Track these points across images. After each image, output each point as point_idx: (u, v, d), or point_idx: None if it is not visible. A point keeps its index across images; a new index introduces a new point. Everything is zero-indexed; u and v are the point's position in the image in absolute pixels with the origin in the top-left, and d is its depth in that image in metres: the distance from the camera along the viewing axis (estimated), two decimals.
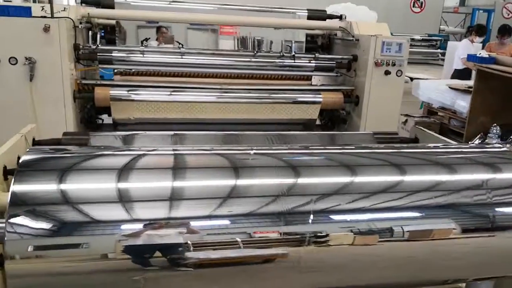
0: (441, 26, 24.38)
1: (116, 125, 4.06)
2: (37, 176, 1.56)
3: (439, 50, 20.92)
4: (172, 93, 3.96)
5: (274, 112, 4.21)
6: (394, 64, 4.10)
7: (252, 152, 1.87)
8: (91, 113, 4.06)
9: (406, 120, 6.21)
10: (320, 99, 4.21)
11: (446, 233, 1.74)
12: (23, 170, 1.55)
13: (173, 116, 4.01)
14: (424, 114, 6.71)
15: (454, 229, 1.73)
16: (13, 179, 1.44)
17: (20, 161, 1.59)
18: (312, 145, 2.21)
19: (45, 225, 1.41)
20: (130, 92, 3.85)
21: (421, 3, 22.34)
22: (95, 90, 3.77)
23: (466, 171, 1.96)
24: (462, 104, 5.77)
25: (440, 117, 6.57)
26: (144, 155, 1.86)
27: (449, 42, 14.06)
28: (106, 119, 4.21)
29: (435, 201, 1.77)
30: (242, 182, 1.65)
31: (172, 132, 2.85)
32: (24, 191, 1.45)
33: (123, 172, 1.60)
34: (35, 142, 2.72)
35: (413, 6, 22.22)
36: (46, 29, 3.39)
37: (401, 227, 1.67)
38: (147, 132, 2.86)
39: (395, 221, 1.69)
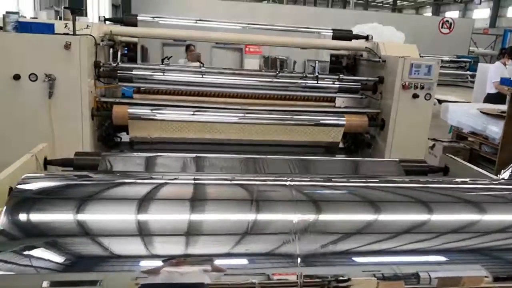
0: (470, 48, 23.91)
1: (133, 144, 3.99)
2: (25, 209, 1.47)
3: (468, 72, 20.42)
4: (192, 113, 3.87)
5: (296, 134, 4.06)
6: (422, 87, 3.91)
7: (271, 182, 1.75)
8: (108, 131, 4.01)
9: (434, 145, 5.94)
10: (344, 122, 4.04)
11: (478, 281, 1.56)
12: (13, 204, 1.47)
13: (192, 136, 3.92)
14: (453, 139, 6.42)
15: (486, 276, 1.55)
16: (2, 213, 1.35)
17: (12, 193, 1.51)
18: (335, 177, 2.05)
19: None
20: (148, 111, 3.78)
21: (450, 24, 22.01)
22: (113, 108, 3.71)
23: (500, 211, 1.78)
24: (495, 129, 5.48)
25: (470, 142, 6.26)
26: (151, 183, 1.76)
27: (479, 64, 13.68)
28: (124, 137, 4.16)
29: (466, 244, 1.59)
30: (260, 217, 1.53)
31: (193, 155, 2.76)
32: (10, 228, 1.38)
33: (120, 203, 1.49)
34: (47, 162, 2.66)
35: (442, 27, 21.90)
36: (67, 46, 3.37)
37: (428, 273, 1.50)
38: (162, 153, 2.77)
39: (422, 266, 1.52)
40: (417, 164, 2.94)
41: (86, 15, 11.40)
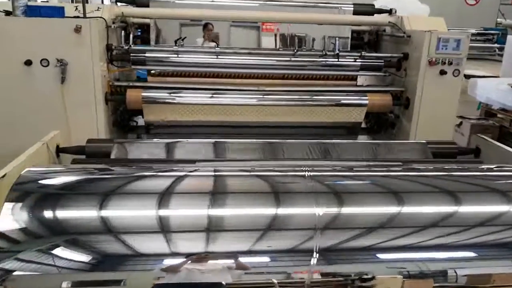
0: (498, 19, 22.87)
1: (148, 128, 3.91)
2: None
3: (496, 45, 19.55)
4: (209, 95, 3.74)
5: (316, 115, 3.90)
6: (451, 63, 3.67)
7: (291, 173, 1.63)
8: (124, 116, 3.93)
9: (461, 123, 5.66)
10: (366, 101, 3.85)
11: (509, 279, 1.42)
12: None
13: (208, 119, 3.80)
14: (481, 116, 6.12)
15: None
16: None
17: (12, 189, 1.43)
18: (357, 165, 1.92)
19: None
20: (163, 94, 3.68)
21: None
22: (127, 92, 3.62)
23: None
24: None
25: (499, 119, 5.96)
26: (168, 176, 1.67)
27: (508, 37, 13.02)
28: (140, 120, 4.08)
29: (496, 238, 1.44)
30: (281, 212, 1.42)
31: (210, 141, 2.65)
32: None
33: (116, 197, 1.41)
34: (59, 150, 2.59)
35: None
36: (78, 29, 3.27)
37: (455, 271, 1.37)
38: (177, 139, 2.67)
39: (450, 263, 1.39)
40: (446, 146, 2.76)
41: None
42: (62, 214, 1.46)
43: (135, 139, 2.88)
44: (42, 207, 1.47)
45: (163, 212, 1.46)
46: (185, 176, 1.62)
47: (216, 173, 1.62)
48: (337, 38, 3.93)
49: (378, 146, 2.71)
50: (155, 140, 2.62)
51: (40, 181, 1.65)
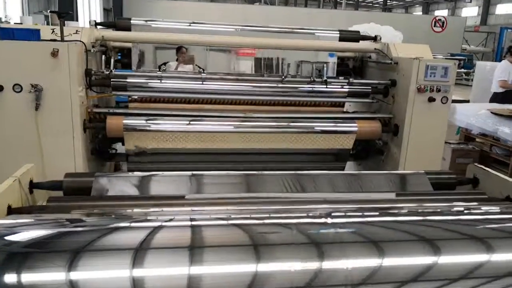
0: (462, 46, 23.88)
1: (128, 156, 3.69)
2: None
3: (463, 70, 20.37)
4: (191, 122, 3.58)
5: (304, 142, 3.79)
6: (439, 90, 3.66)
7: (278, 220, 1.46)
8: (103, 143, 3.71)
9: None
10: (355, 128, 3.78)
11: None
12: None
13: (191, 146, 3.62)
14: (461, 141, 6.19)
15: None
16: None
17: None
18: (372, 204, 1.77)
19: None
20: (144, 121, 3.49)
21: (443, 23, 21.95)
22: (107, 119, 3.41)
23: None
24: (506, 131, 5.25)
25: (479, 143, 6.04)
26: (140, 227, 1.46)
27: (478, 62, 13.57)
28: (119, 147, 3.86)
29: None
30: (264, 268, 1.22)
31: (189, 173, 2.45)
32: None
33: (87, 255, 1.21)
34: (33, 185, 2.35)
35: (434, 26, 21.83)
36: (54, 53, 3.06)
37: None
38: (159, 173, 2.47)
39: None
40: (445, 177, 2.68)
41: (77, 20, 11.03)
42: (27, 277, 1.20)
43: (115, 173, 2.68)
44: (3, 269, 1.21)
45: (137, 272, 1.23)
46: (162, 227, 1.41)
47: (194, 223, 1.42)
48: (324, 65, 3.87)
49: (375, 177, 2.60)
50: (135, 173, 2.42)
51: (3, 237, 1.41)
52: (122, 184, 2.37)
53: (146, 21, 4.11)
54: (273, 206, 2.08)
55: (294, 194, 2.34)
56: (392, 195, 2.39)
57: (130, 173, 2.54)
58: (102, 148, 3.71)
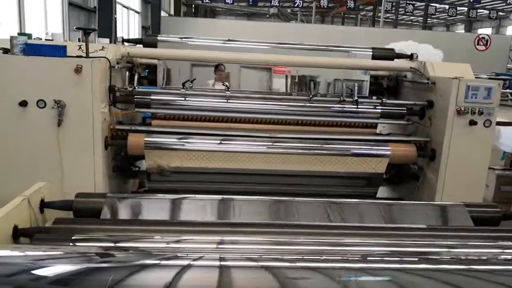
0: (508, 65, 22.86)
1: (150, 175, 3.60)
2: None
3: (508, 90, 19.42)
4: (214, 141, 3.46)
5: (333, 164, 3.58)
6: (481, 113, 3.37)
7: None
8: (125, 161, 3.64)
9: None
10: (388, 152, 3.54)
11: None
12: None
13: (214, 166, 3.49)
14: (506, 167, 5.76)
15: None
16: None
17: None
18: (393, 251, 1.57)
19: None
20: (167, 139, 3.40)
21: (486, 41, 21.15)
22: (128, 136, 3.35)
23: None
24: None
25: None
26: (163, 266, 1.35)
27: None
28: (143, 165, 3.78)
29: None
30: None
31: (215, 198, 2.32)
32: None
33: None
34: (44, 205, 2.28)
35: (478, 44, 21.05)
36: (78, 70, 3.04)
37: None
38: (176, 196, 2.35)
39: None
40: (487, 210, 2.41)
41: (115, 37, 11.32)
42: None
43: (128, 194, 2.58)
44: None
45: None
46: (190, 266, 1.30)
47: (223, 263, 1.29)
48: (355, 84, 3.66)
49: (410, 207, 2.37)
50: (150, 195, 2.31)
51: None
52: (134, 207, 2.26)
53: (179, 38, 4.07)
54: (305, 237, 1.94)
55: (326, 224, 2.19)
56: (429, 231, 2.16)
57: (141, 196, 2.45)
58: (124, 165, 3.65)
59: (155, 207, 2.32)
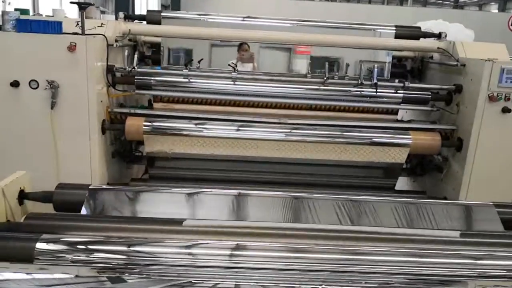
0: None
1: (153, 160, 3.39)
2: None
3: None
4: (220, 127, 3.21)
5: (348, 153, 3.30)
6: None
7: None
8: (126, 146, 3.44)
9: None
10: (409, 141, 3.22)
11: None
12: None
13: (219, 153, 3.26)
14: None
15: None
16: None
17: None
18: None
19: None
20: (168, 124, 3.17)
21: None
22: (127, 120, 3.13)
23: None
24: None
25: None
26: None
27: None
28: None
29: None
30: None
31: (217, 192, 2.10)
32: None
33: None
34: (22, 195, 2.09)
35: None
36: (72, 48, 2.82)
37: None
38: (163, 189, 2.12)
39: None
40: None
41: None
42: None
43: (116, 186, 2.36)
44: None
45: None
46: None
47: None
48: (375, 65, 3.33)
49: (435, 207, 2.08)
50: (144, 187, 2.09)
51: None
52: (119, 200, 2.05)
53: (193, 13, 3.79)
54: (322, 241, 1.72)
55: (344, 228, 1.98)
56: (455, 234, 1.88)
57: (138, 187, 2.24)
58: (125, 151, 3.45)
59: (148, 201, 2.11)
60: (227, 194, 2.08)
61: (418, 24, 4.93)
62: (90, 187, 2.04)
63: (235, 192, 2.10)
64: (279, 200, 2.20)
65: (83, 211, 1.92)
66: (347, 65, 3.72)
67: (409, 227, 2.07)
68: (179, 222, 1.75)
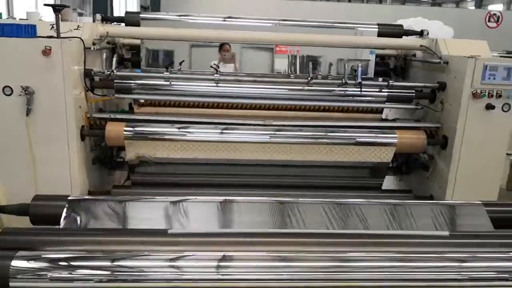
0: None
1: (134, 167, 3.30)
2: None
3: None
4: (203, 129, 3.14)
5: (333, 154, 3.26)
6: (499, 96, 3.02)
7: None
8: (106, 152, 3.34)
9: None
10: (395, 140, 3.20)
11: None
12: None
13: (203, 157, 3.19)
14: None
15: None
16: None
17: None
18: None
19: None
20: (150, 128, 3.08)
21: (498, 18, 20.43)
22: (107, 126, 3.03)
23: None
24: None
25: None
26: None
27: None
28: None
29: None
30: None
31: (204, 200, 2.02)
32: None
33: None
34: None
35: (489, 21, 20.35)
36: (46, 51, 2.71)
37: None
38: (146, 198, 2.04)
39: None
40: (509, 210, 2.09)
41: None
42: None
43: (97, 197, 2.27)
44: None
45: None
46: None
47: None
48: (358, 64, 3.30)
49: (422, 208, 2.06)
50: (118, 197, 2.01)
51: None
52: (99, 212, 1.96)
53: (161, 15, 3.71)
54: (309, 248, 1.67)
55: (331, 232, 1.94)
56: (444, 234, 1.86)
57: (109, 197, 2.15)
58: (106, 157, 3.35)
59: (131, 211, 2.02)
60: (212, 201, 2.01)
61: (398, 22, 4.93)
62: (69, 198, 1.94)
63: (221, 199, 2.04)
64: (265, 206, 2.15)
65: (62, 224, 1.83)
66: (331, 64, 3.68)
67: (398, 229, 2.04)
68: (163, 233, 1.68)
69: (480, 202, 2.07)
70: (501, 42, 18.86)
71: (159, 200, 2.02)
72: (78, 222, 1.86)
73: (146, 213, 1.92)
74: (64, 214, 1.86)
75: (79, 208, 1.91)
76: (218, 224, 1.94)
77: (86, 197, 2.12)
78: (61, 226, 1.82)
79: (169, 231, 1.67)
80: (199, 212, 1.96)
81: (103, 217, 1.91)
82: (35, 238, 1.65)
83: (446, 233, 1.89)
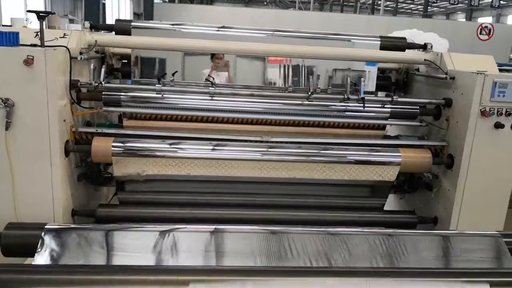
0: (510, 55, 22.32)
1: (123, 184, 3.09)
2: None
3: None
4: (196, 145, 2.95)
5: (334, 172, 3.09)
6: (509, 114, 2.87)
7: None
8: (93, 168, 3.13)
9: None
10: (399, 159, 3.04)
11: None
12: None
13: (196, 173, 2.99)
14: None
15: None
16: None
17: None
18: None
19: None
20: (139, 144, 2.88)
21: (489, 30, 20.58)
22: (93, 141, 2.83)
23: None
24: None
25: None
26: None
27: None
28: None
29: None
30: None
31: (191, 229, 1.83)
32: None
33: None
34: None
35: (480, 33, 20.49)
36: (29, 61, 2.51)
37: None
38: (130, 227, 1.84)
39: None
40: None
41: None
42: None
43: (77, 225, 2.06)
44: None
45: None
46: None
47: None
48: (362, 79, 3.14)
49: (429, 239, 1.88)
50: (102, 226, 1.80)
51: None
52: (83, 241, 1.76)
53: (152, 24, 3.52)
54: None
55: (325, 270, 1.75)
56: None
57: (92, 225, 1.94)
58: (92, 173, 3.14)
59: (116, 242, 1.82)
60: (203, 231, 1.82)
61: (394, 34, 4.79)
62: (46, 226, 1.74)
63: (211, 227, 1.85)
64: (258, 236, 1.97)
65: (37, 258, 1.62)
66: (330, 77, 3.52)
67: (401, 265, 1.86)
68: (152, 270, 1.48)
69: (498, 232, 1.90)
70: (492, 54, 19.06)
71: (146, 229, 1.82)
72: (55, 254, 1.66)
73: (131, 245, 1.72)
74: (39, 246, 1.65)
75: (56, 238, 1.70)
76: (207, 258, 1.75)
77: (64, 225, 1.91)
78: (35, 260, 1.61)
79: (156, 269, 1.46)
80: (188, 244, 1.77)
81: (84, 249, 1.70)
82: (3, 277, 1.44)
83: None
